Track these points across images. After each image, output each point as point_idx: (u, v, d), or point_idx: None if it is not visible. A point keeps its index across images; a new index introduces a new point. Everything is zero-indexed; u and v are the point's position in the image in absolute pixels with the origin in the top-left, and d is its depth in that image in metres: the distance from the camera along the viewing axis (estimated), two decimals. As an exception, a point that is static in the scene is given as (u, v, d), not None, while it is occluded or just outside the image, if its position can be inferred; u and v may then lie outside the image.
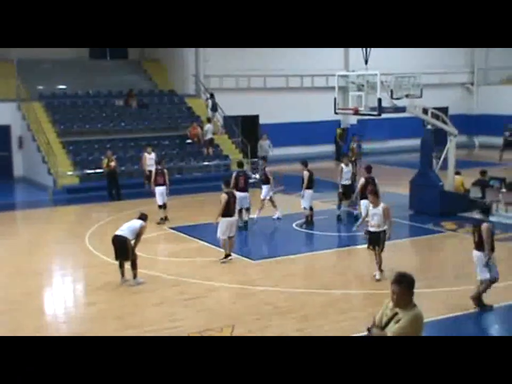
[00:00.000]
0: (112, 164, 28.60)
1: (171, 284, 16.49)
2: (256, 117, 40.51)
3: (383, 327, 7.52)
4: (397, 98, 23.90)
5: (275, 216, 23.66)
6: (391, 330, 7.36)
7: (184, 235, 21.61)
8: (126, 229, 16.51)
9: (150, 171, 28.08)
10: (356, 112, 24.87)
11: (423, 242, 20.86)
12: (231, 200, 18.21)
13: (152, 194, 24.08)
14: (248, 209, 22.90)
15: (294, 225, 22.67)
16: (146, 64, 41.41)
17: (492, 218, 22.97)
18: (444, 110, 35.89)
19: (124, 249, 16.24)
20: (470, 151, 42.43)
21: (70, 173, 30.81)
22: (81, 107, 35.41)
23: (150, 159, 28.41)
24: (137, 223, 16.68)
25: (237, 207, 22.30)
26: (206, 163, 33.51)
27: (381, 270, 16.35)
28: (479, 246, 14.54)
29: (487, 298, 14.65)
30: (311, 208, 22.62)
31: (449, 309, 14.38)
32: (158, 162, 24.73)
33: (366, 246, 17.35)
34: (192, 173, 32.85)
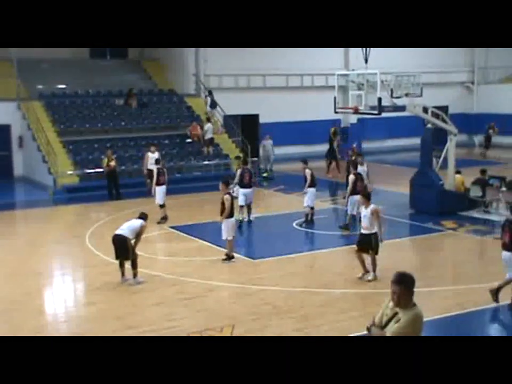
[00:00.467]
0: (112, 163, 28.60)
1: (171, 284, 16.49)
2: (256, 116, 40.48)
3: (383, 327, 7.52)
4: (397, 97, 23.92)
5: (239, 218, 22.48)
6: (390, 330, 7.36)
7: (184, 234, 21.61)
8: (126, 228, 16.51)
9: (152, 170, 28.13)
10: (356, 111, 24.85)
11: (423, 241, 20.86)
12: (233, 201, 18.28)
13: (151, 194, 24.12)
14: (250, 204, 23.32)
15: (294, 224, 22.66)
16: (146, 63, 41.41)
17: (490, 217, 23.12)
18: (444, 109, 35.91)
19: (124, 249, 16.24)
20: (470, 150, 42.41)
21: (70, 172, 30.81)
22: (81, 106, 35.42)
23: (152, 158, 28.36)
24: (138, 222, 16.68)
25: (241, 203, 22.53)
26: (206, 162, 33.48)
27: (374, 272, 16.32)
28: (508, 246, 14.31)
29: (485, 299, 14.67)
30: (311, 207, 22.61)
31: (449, 308, 14.37)
32: (158, 162, 24.67)
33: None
34: (192, 172, 32.82)
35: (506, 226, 14.39)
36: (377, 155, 40.78)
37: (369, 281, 16.16)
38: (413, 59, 40.81)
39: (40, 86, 36.37)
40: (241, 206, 23.09)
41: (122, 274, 16.46)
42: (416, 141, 26.46)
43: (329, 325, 13.50)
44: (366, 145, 42.73)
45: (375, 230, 16.25)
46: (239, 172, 23.44)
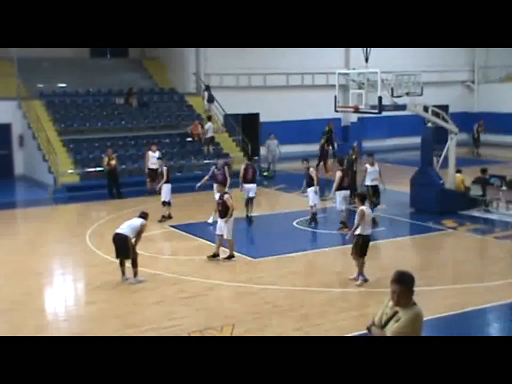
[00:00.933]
0: (113, 162, 28.62)
1: (171, 283, 16.50)
2: (256, 115, 40.48)
3: (383, 326, 7.52)
4: (398, 96, 23.90)
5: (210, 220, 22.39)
6: (390, 329, 7.36)
7: (185, 233, 21.62)
8: (127, 227, 16.51)
9: (152, 169, 28.22)
10: (356, 110, 24.87)
11: (423, 240, 20.86)
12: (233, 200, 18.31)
13: (151, 192, 24.11)
14: (252, 199, 23.64)
15: (294, 223, 22.66)
16: (147, 62, 41.40)
17: (491, 216, 23.13)
18: (444, 108, 35.88)
19: (124, 248, 16.25)
20: (470, 149, 42.37)
21: (70, 171, 30.81)
22: (81, 105, 35.41)
23: (153, 157, 28.45)
24: (138, 221, 16.69)
25: (245, 197, 23.20)
26: (206, 161, 33.44)
27: (359, 276, 16.17)
28: None
29: (489, 296, 14.68)
30: (311, 206, 22.57)
31: (449, 307, 14.38)
32: (160, 159, 24.73)
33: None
34: (192, 171, 32.76)
35: None
36: (377, 154, 40.23)
37: (357, 285, 16.06)
38: (414, 58, 40.76)
39: (40, 85, 36.37)
40: (246, 201, 23.56)
41: (123, 273, 16.47)
42: (417, 140, 26.43)
43: (330, 324, 13.51)
44: (366, 144, 42.65)
45: (358, 231, 16.05)
46: (242, 167, 23.90)
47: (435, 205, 23.28)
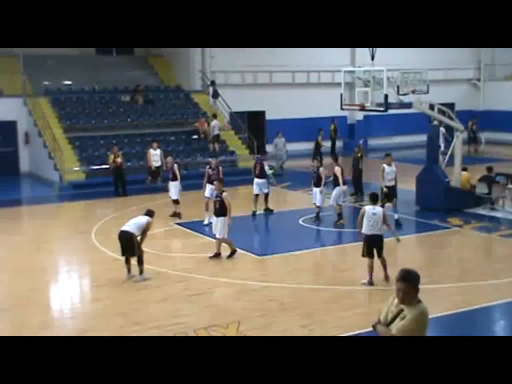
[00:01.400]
0: (119, 159, 28.63)
1: (176, 280, 16.50)
2: (262, 113, 40.49)
3: (388, 324, 7.52)
4: (403, 94, 23.88)
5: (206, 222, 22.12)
6: (396, 327, 7.36)
7: (190, 231, 21.62)
8: (133, 224, 16.52)
9: (156, 167, 28.26)
10: (362, 108, 24.86)
11: (428, 238, 20.82)
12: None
13: (150, 190, 24.11)
14: (267, 195, 24.04)
15: (300, 221, 22.64)
16: (152, 60, 41.41)
17: (496, 214, 23.09)
18: (450, 106, 35.83)
19: (130, 245, 16.26)
20: (476, 147, 42.32)
21: (76, 168, 30.86)
22: (87, 103, 35.45)
23: (155, 155, 28.48)
24: (144, 219, 16.69)
25: (255, 192, 23.59)
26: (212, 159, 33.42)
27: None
28: None
29: (495, 294, 14.67)
30: (318, 206, 22.50)
31: (455, 305, 14.36)
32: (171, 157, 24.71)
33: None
34: (198, 168, 32.74)
35: None
36: (383, 152, 40.59)
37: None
38: (419, 56, 40.72)
39: (46, 82, 36.42)
40: (256, 195, 23.81)
41: (128, 270, 16.48)
42: (423, 138, 26.41)
43: (335, 321, 13.51)
44: (372, 142, 42.72)
45: (362, 231, 15.97)
46: (253, 163, 24.67)
47: (441, 203, 23.24)
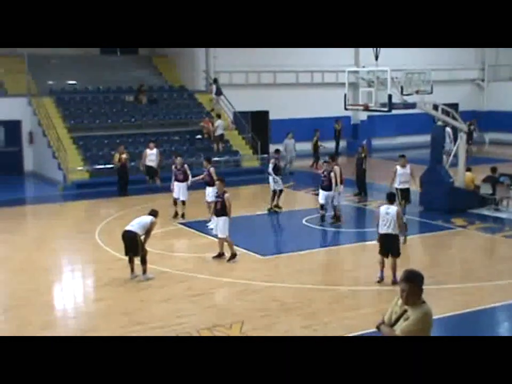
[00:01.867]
0: (124, 155, 28.61)
1: (179, 280, 16.51)
2: (266, 113, 40.47)
3: (392, 325, 7.51)
4: (407, 95, 23.84)
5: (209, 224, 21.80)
6: (400, 328, 7.35)
7: (193, 231, 21.62)
8: (136, 224, 16.53)
9: (150, 166, 28.38)
10: (366, 108, 24.83)
11: (432, 238, 20.79)
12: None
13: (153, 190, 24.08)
14: (281, 191, 24.30)
15: (304, 221, 22.63)
16: (156, 59, 41.41)
17: (500, 215, 23.06)
18: (454, 106, 35.78)
19: (133, 245, 16.27)
20: (480, 148, 42.30)
21: (80, 168, 30.87)
22: (91, 102, 35.45)
23: (151, 155, 28.67)
24: (148, 218, 16.70)
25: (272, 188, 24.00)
26: (216, 159, 33.39)
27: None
28: None
29: (499, 295, 14.66)
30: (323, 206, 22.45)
31: (459, 306, 14.35)
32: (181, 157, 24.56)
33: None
34: (202, 168, 32.70)
35: None
36: (387, 152, 40.69)
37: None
38: (423, 56, 40.66)
39: (50, 82, 36.40)
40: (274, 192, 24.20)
41: (132, 270, 16.48)
42: (426, 138, 26.38)
43: (338, 322, 13.50)
44: (376, 142, 42.69)
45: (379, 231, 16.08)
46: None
47: (444, 204, 23.20)
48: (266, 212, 24.02)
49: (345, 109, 26.47)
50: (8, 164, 34.13)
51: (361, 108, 25.38)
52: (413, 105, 23.92)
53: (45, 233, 22.19)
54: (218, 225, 17.97)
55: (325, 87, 40.91)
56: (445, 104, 25.01)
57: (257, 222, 23.19)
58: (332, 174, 22.19)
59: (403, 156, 21.95)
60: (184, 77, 39.82)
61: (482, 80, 48.18)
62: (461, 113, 29.09)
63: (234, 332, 12.90)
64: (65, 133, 32.57)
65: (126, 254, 16.52)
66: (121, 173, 28.59)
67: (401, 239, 17.10)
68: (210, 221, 21.07)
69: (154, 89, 38.05)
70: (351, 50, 41.92)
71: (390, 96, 23.04)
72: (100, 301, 15.36)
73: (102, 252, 19.19)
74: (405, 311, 7.39)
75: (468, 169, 24.85)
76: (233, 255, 18.02)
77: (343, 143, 41.72)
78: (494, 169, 24.47)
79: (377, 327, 7.77)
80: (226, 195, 17.86)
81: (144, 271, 16.41)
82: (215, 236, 18.63)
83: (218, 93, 37.22)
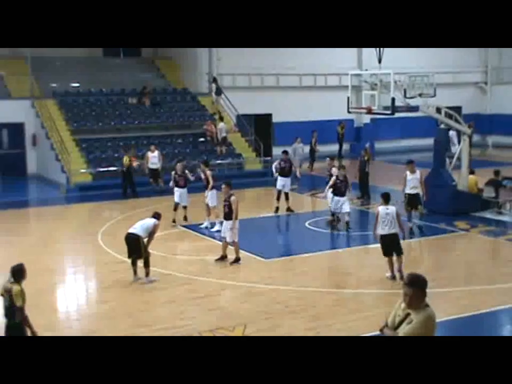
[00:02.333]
0: (134, 161, 28.76)
1: (182, 282, 16.51)
2: (269, 116, 40.47)
3: (395, 328, 7.51)
4: (410, 98, 23.81)
5: (203, 225, 22.36)
6: (403, 331, 7.35)
7: (196, 233, 21.62)
8: (139, 227, 16.54)
9: (152, 169, 28.43)
10: (369, 111, 24.83)
11: (435, 241, 20.77)
12: (238, 204, 18.08)
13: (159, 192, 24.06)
14: (286, 194, 24.58)
15: (306, 224, 22.63)
16: (160, 62, 41.45)
17: (503, 218, 23.04)
18: (457, 109, 35.77)
19: (136, 247, 16.28)
20: (483, 151, 42.26)
21: (83, 170, 30.90)
22: (94, 105, 35.49)
23: (152, 157, 28.81)
24: (151, 221, 16.72)
25: (278, 187, 24.39)
26: (219, 161, 33.45)
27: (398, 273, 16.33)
28: None
29: (498, 300, 14.65)
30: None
31: (462, 309, 14.34)
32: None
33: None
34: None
35: None
36: (390, 155, 40.73)
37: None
38: (427, 59, 40.68)
39: (53, 84, 36.46)
40: (279, 191, 24.47)
41: (135, 272, 16.49)
42: (430, 141, 26.36)
43: (341, 324, 13.49)
44: (379, 145, 42.65)
45: (378, 231, 16.32)
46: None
47: (447, 207, 23.17)
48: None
49: (348, 112, 26.50)
50: (11, 166, 34.15)
51: (364, 111, 25.39)
52: (416, 108, 23.91)
53: (48, 235, 22.20)
54: (226, 228, 17.96)
55: (328, 90, 40.91)
56: (448, 107, 25.00)
57: (260, 224, 23.17)
58: (333, 170, 22.49)
59: (411, 162, 21.57)
60: (187, 79, 39.86)
61: (486, 83, 48.14)
62: (464, 116, 29.09)
63: (237, 335, 12.90)
64: (68, 135, 32.61)
65: (129, 256, 16.53)
66: (127, 176, 28.55)
67: (401, 236, 17.10)
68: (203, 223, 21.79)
69: (158, 92, 38.08)
70: (354, 53, 41.96)
71: (393, 99, 23.05)
72: (103, 303, 15.37)
73: (105, 254, 19.20)
74: (408, 314, 7.39)
75: (471, 172, 24.82)
76: (237, 259, 18.01)
77: (346, 146, 41.77)
78: (497, 173, 24.46)
79: (381, 330, 7.78)
80: (232, 198, 17.81)
81: (147, 274, 16.41)
82: (217, 239, 18.62)
83: (218, 92, 37.35)
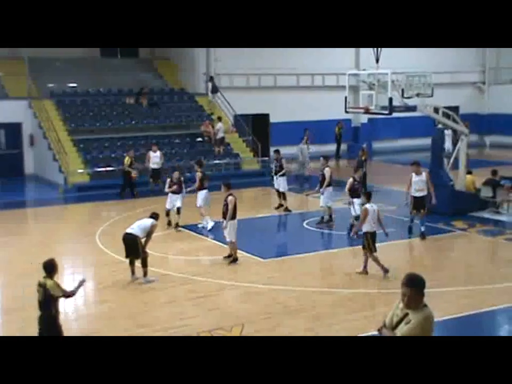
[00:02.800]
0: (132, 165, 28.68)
1: (181, 283, 16.51)
2: (266, 116, 40.47)
3: (394, 328, 7.51)
4: (408, 97, 23.83)
5: (201, 225, 22.40)
6: (401, 331, 7.35)
7: (195, 233, 21.62)
8: (137, 227, 16.54)
9: (154, 169, 28.36)
10: (367, 111, 24.84)
11: (433, 241, 20.75)
12: (236, 202, 18.06)
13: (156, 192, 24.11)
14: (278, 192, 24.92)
15: (304, 224, 22.64)
16: (157, 62, 41.45)
17: (501, 218, 23.05)
18: (455, 109, 35.80)
19: (134, 248, 16.28)
20: (481, 151, 42.29)
21: (80, 170, 30.90)
22: (92, 105, 35.48)
23: (154, 157, 28.73)
24: (149, 221, 16.72)
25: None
26: (216, 162, 33.47)
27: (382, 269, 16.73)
28: None
29: (497, 299, 14.66)
30: (329, 207, 22.42)
31: (460, 309, 14.35)
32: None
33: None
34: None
35: None
36: (388, 155, 40.77)
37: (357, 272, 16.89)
38: (424, 59, 40.72)
39: (51, 85, 36.45)
40: (276, 190, 24.96)
41: (132, 272, 16.49)
42: (427, 141, 26.38)
43: (340, 324, 13.50)
44: (376, 145, 42.70)
45: (365, 229, 16.66)
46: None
47: (445, 206, 23.12)
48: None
49: (346, 111, 26.50)
50: (8, 167, 34.12)
51: (362, 110, 25.40)
52: (413, 108, 23.92)
53: (46, 236, 22.18)
54: (226, 228, 17.97)
55: (325, 90, 40.97)
56: (445, 107, 25.02)
57: (259, 224, 23.17)
58: (327, 169, 22.42)
59: (416, 163, 20.95)
60: (185, 79, 39.87)
61: (483, 83, 48.20)
62: (461, 116, 29.09)
63: (234, 335, 12.89)
64: (65, 135, 32.61)
65: (127, 256, 16.53)
66: (127, 176, 28.42)
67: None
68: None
69: (155, 92, 38.09)
70: (351, 53, 41.98)
71: (390, 99, 23.06)
72: (102, 303, 15.36)
73: (103, 255, 19.19)
74: (406, 314, 7.39)
75: (469, 172, 24.85)
76: (234, 260, 18.02)
77: (343, 146, 41.80)
78: (494, 172, 24.48)
79: (379, 330, 7.78)
80: (229, 198, 17.82)
81: (145, 274, 16.41)
82: (215, 238, 18.63)
83: (214, 90, 37.40)
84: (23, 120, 34.50)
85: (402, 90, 23.66)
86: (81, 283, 11.87)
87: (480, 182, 24.62)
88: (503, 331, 13.94)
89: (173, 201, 22.29)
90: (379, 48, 26.67)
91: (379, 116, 29.07)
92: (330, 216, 22.33)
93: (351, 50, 41.87)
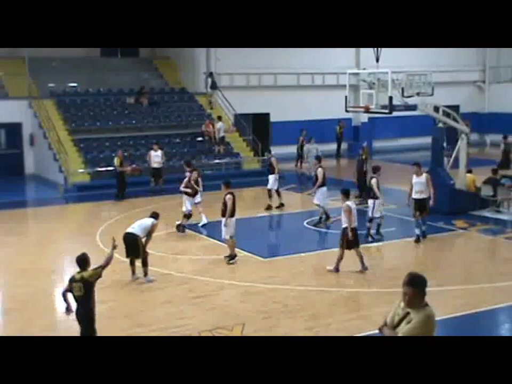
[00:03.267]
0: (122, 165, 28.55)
1: (180, 282, 16.51)
2: (267, 115, 40.46)
3: (395, 327, 7.50)
4: (408, 96, 23.83)
5: (201, 224, 22.39)
6: (402, 330, 7.34)
7: (194, 233, 21.61)
8: (137, 226, 16.54)
9: (155, 168, 28.35)
10: (367, 110, 24.83)
11: (434, 240, 20.73)
12: (235, 200, 18.07)
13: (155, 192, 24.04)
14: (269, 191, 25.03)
15: (304, 223, 22.63)
16: (158, 62, 41.45)
17: (502, 216, 23.04)
18: (455, 108, 35.79)
19: (134, 247, 16.27)
20: (481, 150, 42.25)
21: (81, 170, 30.89)
22: (92, 105, 35.49)
23: (155, 156, 28.71)
24: (149, 221, 16.72)
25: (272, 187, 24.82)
26: (216, 161, 33.47)
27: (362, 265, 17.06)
28: None
29: (500, 296, 14.65)
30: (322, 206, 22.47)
31: (460, 308, 14.34)
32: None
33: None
34: (203, 170, 32.71)
35: None
36: (388, 154, 40.71)
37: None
38: (425, 58, 40.69)
39: (51, 84, 36.45)
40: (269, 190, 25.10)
41: (133, 272, 16.49)
42: (427, 140, 26.37)
43: (339, 324, 13.50)
44: (377, 144, 42.66)
45: (345, 224, 16.92)
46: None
47: (446, 205, 23.13)
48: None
49: (346, 111, 26.50)
50: (9, 166, 34.14)
51: (362, 109, 25.40)
52: (413, 107, 23.92)
53: (46, 236, 22.17)
54: (223, 226, 17.98)
55: (325, 89, 40.96)
56: (446, 106, 25.00)
57: (258, 224, 23.16)
58: (320, 170, 22.47)
59: (416, 164, 20.60)
60: (185, 79, 39.85)
61: (483, 82, 48.17)
62: (462, 115, 29.10)
63: (236, 334, 12.90)
64: (66, 135, 32.60)
65: (127, 256, 16.52)
66: (120, 178, 28.30)
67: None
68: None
69: (155, 92, 38.09)
70: (352, 52, 41.97)
71: (390, 98, 23.05)
72: (101, 303, 15.26)
73: (103, 254, 19.11)
74: (408, 313, 7.37)
75: (469, 171, 24.83)
76: (232, 256, 18.03)
77: (344, 145, 41.80)
78: (495, 171, 24.46)
79: (380, 329, 7.76)
80: (227, 196, 17.85)
81: (145, 274, 16.41)
82: (215, 238, 18.63)
83: (213, 86, 37.44)
84: (23, 120, 34.50)
85: (403, 89, 23.66)
86: (113, 244, 12.67)
87: (481, 180, 24.59)
88: (502, 330, 13.93)
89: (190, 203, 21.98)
90: (379, 48, 26.64)
91: (379, 115, 29.05)
92: (327, 214, 22.31)
93: (351, 50, 41.85)
